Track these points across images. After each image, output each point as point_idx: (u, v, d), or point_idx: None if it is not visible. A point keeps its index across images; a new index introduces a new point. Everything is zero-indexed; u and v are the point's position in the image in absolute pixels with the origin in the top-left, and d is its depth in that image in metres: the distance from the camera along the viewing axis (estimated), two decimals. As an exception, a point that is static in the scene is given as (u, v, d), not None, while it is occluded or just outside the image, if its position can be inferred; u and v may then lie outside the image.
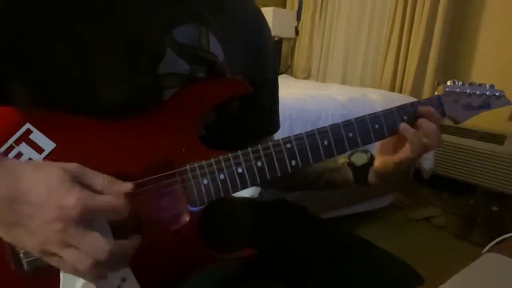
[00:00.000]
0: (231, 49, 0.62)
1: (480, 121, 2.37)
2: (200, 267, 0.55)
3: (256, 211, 0.78)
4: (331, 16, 3.27)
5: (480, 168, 2.36)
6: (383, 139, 0.63)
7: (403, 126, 0.62)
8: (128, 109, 0.53)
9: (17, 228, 0.40)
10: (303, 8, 3.49)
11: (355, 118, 0.61)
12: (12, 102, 0.52)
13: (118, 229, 0.44)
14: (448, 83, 0.67)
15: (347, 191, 1.92)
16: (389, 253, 0.68)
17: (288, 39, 3.61)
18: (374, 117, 0.62)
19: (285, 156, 0.57)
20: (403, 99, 2.23)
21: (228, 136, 0.65)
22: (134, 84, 0.54)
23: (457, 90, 0.67)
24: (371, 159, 0.68)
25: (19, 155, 0.49)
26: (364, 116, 0.61)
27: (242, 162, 0.55)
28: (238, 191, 0.56)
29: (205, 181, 0.54)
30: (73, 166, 0.43)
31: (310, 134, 0.58)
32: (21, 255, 0.47)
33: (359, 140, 0.61)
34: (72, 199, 0.39)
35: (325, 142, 0.59)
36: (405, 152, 0.62)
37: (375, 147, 0.68)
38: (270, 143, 0.56)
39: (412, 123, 0.62)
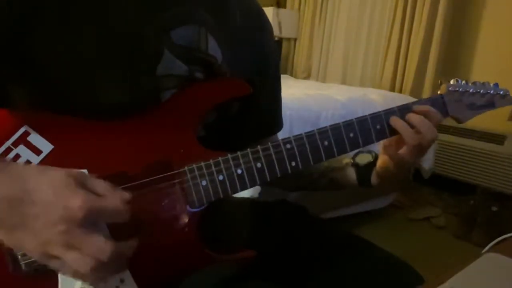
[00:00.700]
0: (231, 50, 0.62)
1: (480, 121, 2.36)
2: (199, 268, 0.55)
3: (256, 211, 0.78)
4: (331, 16, 3.27)
5: (480, 168, 2.36)
6: (384, 139, 0.63)
7: (393, 118, 0.61)
8: (127, 111, 0.53)
9: (19, 231, 0.40)
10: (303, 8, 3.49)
11: (356, 118, 0.60)
12: (10, 104, 0.52)
13: (117, 231, 0.44)
14: (451, 82, 0.66)
15: (347, 191, 1.92)
16: (389, 253, 0.68)
17: (288, 39, 3.61)
18: (375, 116, 0.61)
19: (285, 157, 0.56)
20: (403, 99, 2.23)
21: (229, 136, 0.65)
22: (133, 85, 0.54)
23: (460, 89, 0.66)
24: (376, 159, 0.68)
25: (17, 157, 0.49)
26: (365, 116, 0.61)
27: (241, 163, 0.55)
28: (237, 192, 0.56)
29: (204, 183, 0.54)
30: (77, 171, 0.43)
31: (310, 135, 0.58)
32: (19, 256, 0.47)
33: (360, 141, 0.60)
34: (78, 201, 0.39)
35: (326, 143, 0.58)
36: (402, 149, 0.61)
37: (377, 147, 0.67)
38: (269, 144, 0.56)
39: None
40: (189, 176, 0.54)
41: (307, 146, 0.57)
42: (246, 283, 0.59)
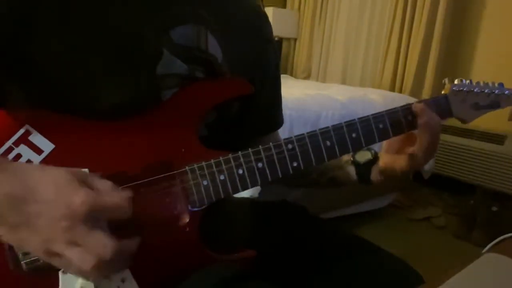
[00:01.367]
0: (231, 49, 0.62)
1: (480, 121, 2.35)
2: (200, 268, 0.55)
3: (256, 211, 0.78)
4: (331, 16, 3.27)
5: (480, 168, 2.36)
6: (387, 139, 0.62)
7: (419, 106, 0.60)
8: (127, 110, 0.53)
9: (22, 229, 0.40)
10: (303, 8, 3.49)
11: (358, 118, 0.60)
12: (11, 104, 0.52)
13: (118, 231, 0.44)
14: (456, 81, 0.65)
15: (347, 191, 1.93)
16: (389, 253, 0.68)
17: (288, 39, 3.61)
18: (377, 116, 0.60)
19: (287, 157, 0.56)
20: (403, 99, 2.23)
21: (230, 135, 0.65)
22: (133, 85, 0.54)
23: (465, 89, 0.65)
24: (375, 156, 0.68)
25: (18, 156, 0.49)
26: (368, 116, 0.60)
27: (243, 163, 0.55)
28: (238, 192, 0.56)
29: (205, 182, 0.54)
30: (79, 170, 0.43)
31: (312, 135, 0.57)
32: (19, 255, 0.47)
33: (362, 141, 0.60)
34: (80, 198, 0.39)
35: (328, 143, 0.58)
36: (413, 148, 0.61)
37: (379, 146, 0.67)
38: (271, 144, 0.56)
39: (416, 123, 0.61)
40: (190, 175, 0.54)
41: (309, 146, 0.57)
42: (246, 283, 0.58)
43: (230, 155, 0.55)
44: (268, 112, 0.75)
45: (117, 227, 0.44)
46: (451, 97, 0.65)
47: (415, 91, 2.66)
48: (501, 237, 0.65)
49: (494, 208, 2.20)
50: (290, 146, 0.57)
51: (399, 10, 2.74)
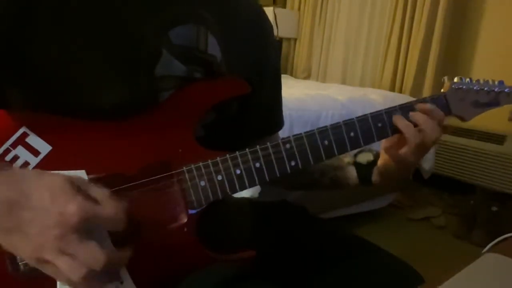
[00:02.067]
0: (231, 49, 0.62)
1: (480, 121, 2.36)
2: (199, 269, 0.55)
3: (256, 211, 0.78)
4: (331, 16, 3.27)
5: (480, 168, 2.36)
6: (386, 138, 0.62)
7: (396, 117, 0.60)
8: (125, 112, 0.53)
9: (14, 234, 0.40)
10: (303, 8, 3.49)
11: (356, 117, 0.59)
12: (8, 105, 0.52)
13: (116, 232, 0.44)
14: (455, 79, 0.65)
15: (347, 191, 1.92)
16: (389, 253, 0.68)
17: (288, 39, 3.61)
18: (376, 115, 0.60)
19: (284, 156, 0.56)
20: (403, 99, 2.23)
21: (229, 136, 0.65)
22: (131, 86, 0.54)
23: (464, 87, 0.65)
24: (377, 157, 0.68)
25: (15, 158, 0.49)
26: (366, 114, 0.60)
27: (240, 163, 0.55)
28: (236, 192, 0.56)
29: (203, 183, 0.54)
30: (76, 176, 0.43)
31: (310, 134, 0.57)
32: (18, 257, 0.47)
33: (361, 140, 0.60)
34: (74, 207, 0.39)
35: (326, 142, 0.58)
36: (404, 148, 0.61)
37: (378, 145, 0.67)
38: (268, 143, 0.56)
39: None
40: (187, 176, 0.53)
41: (307, 145, 0.57)
42: (246, 284, 0.58)
43: (227, 155, 0.54)
44: (268, 113, 0.75)
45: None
46: (450, 95, 0.65)
47: (415, 91, 2.66)
48: (501, 237, 0.65)
49: (494, 208, 2.19)
50: (288, 145, 0.56)
51: (399, 10, 2.74)
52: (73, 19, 0.50)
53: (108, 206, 0.42)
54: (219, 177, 0.54)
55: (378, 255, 0.68)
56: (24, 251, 0.40)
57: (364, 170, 0.68)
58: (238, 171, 0.54)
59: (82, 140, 0.52)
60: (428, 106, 0.61)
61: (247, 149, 0.55)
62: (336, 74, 3.24)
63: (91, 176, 0.49)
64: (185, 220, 0.54)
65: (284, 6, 3.66)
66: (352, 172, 0.70)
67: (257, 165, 0.55)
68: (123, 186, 0.50)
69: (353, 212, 2.11)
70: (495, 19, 2.46)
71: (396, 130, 0.61)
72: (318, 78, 3.36)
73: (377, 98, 2.11)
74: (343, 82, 3.17)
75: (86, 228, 0.40)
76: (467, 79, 0.66)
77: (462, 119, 0.67)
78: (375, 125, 0.60)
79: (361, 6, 3.06)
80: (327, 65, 3.32)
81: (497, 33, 2.45)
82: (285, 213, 0.78)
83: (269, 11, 3.20)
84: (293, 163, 0.57)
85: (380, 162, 0.66)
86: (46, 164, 0.50)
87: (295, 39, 3.59)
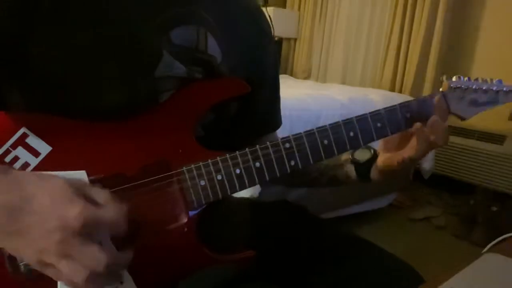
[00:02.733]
0: (231, 49, 0.62)
1: (480, 121, 2.37)
2: (199, 269, 0.55)
3: (256, 211, 0.78)
4: (331, 16, 3.27)
5: (480, 168, 2.36)
6: (385, 137, 0.62)
7: (417, 125, 0.60)
8: (125, 113, 0.53)
9: (16, 238, 0.40)
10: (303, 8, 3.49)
11: (356, 116, 0.59)
12: (8, 106, 0.52)
13: (116, 234, 0.44)
14: (453, 78, 0.65)
15: (347, 191, 1.92)
16: (389, 253, 0.68)
17: (288, 39, 3.61)
18: (375, 115, 0.60)
19: (284, 156, 0.56)
20: (403, 99, 2.22)
21: (229, 135, 0.65)
22: (131, 87, 0.54)
23: (462, 86, 0.65)
24: (374, 155, 0.68)
25: (15, 159, 0.49)
26: (366, 114, 0.60)
27: (240, 163, 0.55)
28: (236, 192, 0.56)
29: (202, 183, 0.54)
30: (77, 179, 0.43)
31: (310, 134, 0.57)
32: (18, 258, 0.47)
33: (360, 139, 0.60)
34: (75, 210, 0.39)
35: (325, 142, 0.58)
36: (410, 150, 0.61)
37: (377, 143, 0.67)
38: (268, 143, 0.56)
39: (415, 120, 0.61)
40: (187, 176, 0.53)
41: (307, 145, 0.57)
42: (246, 284, 0.58)
43: (227, 155, 0.54)
44: (267, 113, 0.75)
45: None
46: (448, 94, 0.65)
47: (415, 91, 2.66)
48: (501, 237, 0.65)
49: (494, 208, 2.20)
50: (287, 145, 0.56)
51: (399, 10, 2.74)
52: (73, 20, 0.50)
53: (110, 209, 0.42)
54: (219, 177, 0.54)
55: (378, 255, 0.68)
56: (26, 254, 0.41)
57: (362, 167, 0.68)
58: (238, 171, 0.54)
59: (82, 141, 0.52)
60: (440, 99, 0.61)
61: (247, 149, 0.55)
62: (336, 74, 3.24)
63: (91, 176, 0.48)
64: (185, 220, 0.54)
65: (284, 6, 3.66)
66: (350, 170, 0.70)
67: (257, 164, 0.55)
68: (123, 187, 0.50)
69: (353, 212, 2.11)
70: (495, 19, 2.46)
71: (395, 130, 0.61)
72: (318, 78, 3.36)
73: (377, 98, 2.11)
74: (343, 82, 3.18)
75: (87, 231, 0.40)
76: (465, 78, 0.66)
77: (461, 118, 0.67)
78: (375, 125, 0.60)
79: (361, 6, 3.06)
80: (327, 65, 3.33)
81: (497, 33, 2.45)
82: (285, 213, 0.78)
83: (268, 11, 3.19)
84: (292, 163, 0.57)
85: (381, 160, 0.66)
86: (46, 165, 0.49)
87: (295, 39, 3.59)
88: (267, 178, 0.56)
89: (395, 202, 2.42)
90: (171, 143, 0.55)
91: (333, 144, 0.58)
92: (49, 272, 0.41)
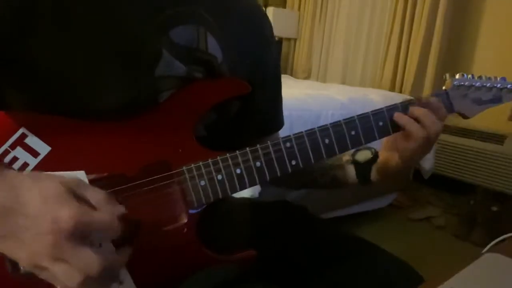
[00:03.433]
0: (231, 49, 0.62)
1: (480, 121, 2.37)
2: (199, 269, 0.55)
3: (256, 211, 0.78)
4: (331, 16, 3.27)
5: (480, 168, 2.36)
6: (387, 135, 0.62)
7: (397, 114, 0.60)
8: (125, 112, 0.53)
9: (10, 240, 0.39)
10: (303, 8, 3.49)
11: (357, 115, 0.59)
12: (7, 106, 0.52)
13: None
14: (457, 76, 0.65)
15: (347, 191, 1.92)
16: (389, 253, 0.68)
17: (288, 39, 3.61)
18: (377, 113, 0.60)
19: (285, 155, 0.56)
20: (403, 99, 2.22)
21: (230, 135, 0.65)
22: (131, 87, 0.53)
23: (466, 83, 0.64)
24: (375, 155, 0.68)
25: (14, 159, 0.49)
26: (367, 112, 0.60)
27: (240, 163, 0.54)
28: (236, 192, 0.55)
29: (203, 182, 0.54)
30: (71, 179, 0.42)
31: (311, 133, 0.57)
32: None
33: (362, 138, 0.59)
34: (66, 213, 0.39)
35: (326, 141, 0.58)
36: (406, 145, 0.61)
37: (379, 143, 0.66)
38: (269, 142, 0.56)
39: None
40: (187, 176, 0.53)
41: (308, 144, 0.57)
42: (246, 284, 0.58)
43: (227, 155, 0.54)
44: (268, 113, 0.75)
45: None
46: (452, 92, 0.64)
47: (415, 91, 2.66)
48: (501, 237, 0.65)
49: (494, 208, 2.19)
50: (288, 144, 0.56)
51: (399, 10, 2.74)
52: (72, 19, 0.50)
53: (104, 211, 0.41)
54: (219, 177, 0.54)
55: (378, 255, 0.68)
56: (20, 257, 0.40)
57: (363, 168, 0.68)
58: (238, 171, 0.54)
59: (81, 141, 0.52)
60: (428, 99, 0.61)
61: (247, 148, 0.55)
62: (336, 74, 3.24)
63: (90, 176, 0.48)
64: (185, 220, 0.54)
65: (284, 6, 3.66)
66: (351, 171, 0.70)
67: (258, 164, 0.55)
68: (123, 187, 0.50)
69: (353, 212, 2.11)
70: (495, 19, 2.46)
71: (397, 128, 0.61)
72: (318, 78, 3.36)
73: (377, 98, 2.11)
74: (343, 82, 3.17)
75: (80, 234, 0.39)
76: (469, 76, 0.65)
77: (464, 116, 0.66)
78: (376, 123, 0.60)
79: (361, 6, 3.06)
80: (327, 65, 3.33)
81: (497, 33, 2.44)
82: (285, 213, 0.78)
83: (269, 11, 3.20)
84: (293, 162, 0.57)
85: (381, 160, 0.66)
86: (45, 165, 0.49)
87: (295, 39, 3.59)
88: (268, 178, 0.56)
89: (395, 202, 2.42)
90: (172, 143, 0.54)
91: (335, 143, 0.58)
92: (44, 276, 0.41)
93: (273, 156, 0.56)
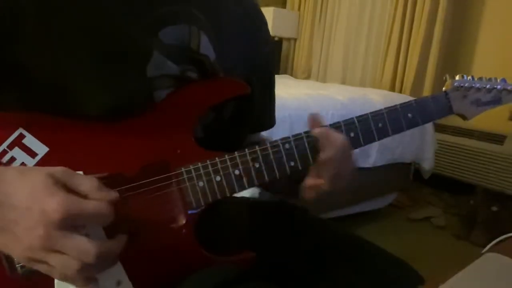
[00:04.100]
0: (224, 48, 0.62)
1: (480, 121, 2.36)
2: (198, 270, 0.54)
3: (256, 212, 0.77)
4: (331, 16, 3.27)
5: (480, 168, 2.36)
6: (387, 137, 0.61)
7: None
8: (119, 112, 0.52)
9: (4, 234, 0.39)
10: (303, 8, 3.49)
11: (356, 117, 0.59)
12: (4, 107, 0.52)
13: (113, 233, 0.43)
14: (457, 77, 0.65)
15: (347, 191, 1.92)
16: (389, 253, 0.68)
17: (288, 39, 3.61)
18: (377, 115, 0.60)
19: (284, 156, 0.56)
20: (403, 99, 2.22)
21: (227, 136, 0.65)
22: (122, 87, 0.53)
23: (466, 84, 0.64)
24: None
25: (12, 159, 0.49)
26: (367, 114, 0.60)
27: (239, 164, 0.54)
28: (235, 193, 0.55)
29: (201, 184, 0.53)
30: (58, 170, 0.42)
31: (310, 134, 0.57)
32: (15, 259, 0.47)
33: (361, 139, 0.59)
34: (54, 204, 0.38)
35: None
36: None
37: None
38: (268, 143, 0.56)
39: (417, 120, 0.61)
40: (186, 176, 0.53)
41: (307, 145, 0.57)
42: (246, 284, 0.58)
43: (226, 156, 0.54)
44: (261, 112, 0.74)
45: (112, 229, 0.43)
46: (452, 94, 0.64)
47: (415, 91, 2.67)
48: (501, 237, 0.64)
49: (494, 208, 2.19)
50: (287, 145, 0.56)
51: (399, 10, 2.74)
52: (61, 20, 0.50)
53: (94, 199, 0.41)
54: (218, 178, 0.54)
55: (378, 255, 0.68)
56: (15, 252, 0.40)
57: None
58: (237, 172, 0.54)
59: (79, 141, 0.52)
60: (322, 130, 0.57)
61: (246, 150, 0.55)
62: (336, 74, 3.24)
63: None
64: (184, 221, 0.54)
65: (284, 6, 3.66)
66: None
67: (256, 165, 0.55)
68: (121, 188, 0.50)
69: (353, 212, 2.11)
70: (495, 19, 2.46)
71: (397, 130, 0.61)
72: (318, 78, 3.37)
73: (377, 98, 2.11)
74: (343, 82, 3.18)
75: (71, 223, 0.39)
76: (469, 77, 0.65)
77: (464, 117, 0.66)
78: (376, 125, 0.60)
79: (361, 6, 3.07)
80: (327, 65, 3.33)
81: (497, 33, 2.44)
82: (285, 213, 0.78)
83: (269, 11, 3.20)
84: (292, 163, 0.56)
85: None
86: (43, 165, 0.49)
87: (295, 39, 3.59)
88: (267, 179, 0.56)
89: (395, 202, 2.42)
90: (170, 143, 0.54)
91: None
92: (41, 268, 0.41)
93: (272, 157, 0.56)
